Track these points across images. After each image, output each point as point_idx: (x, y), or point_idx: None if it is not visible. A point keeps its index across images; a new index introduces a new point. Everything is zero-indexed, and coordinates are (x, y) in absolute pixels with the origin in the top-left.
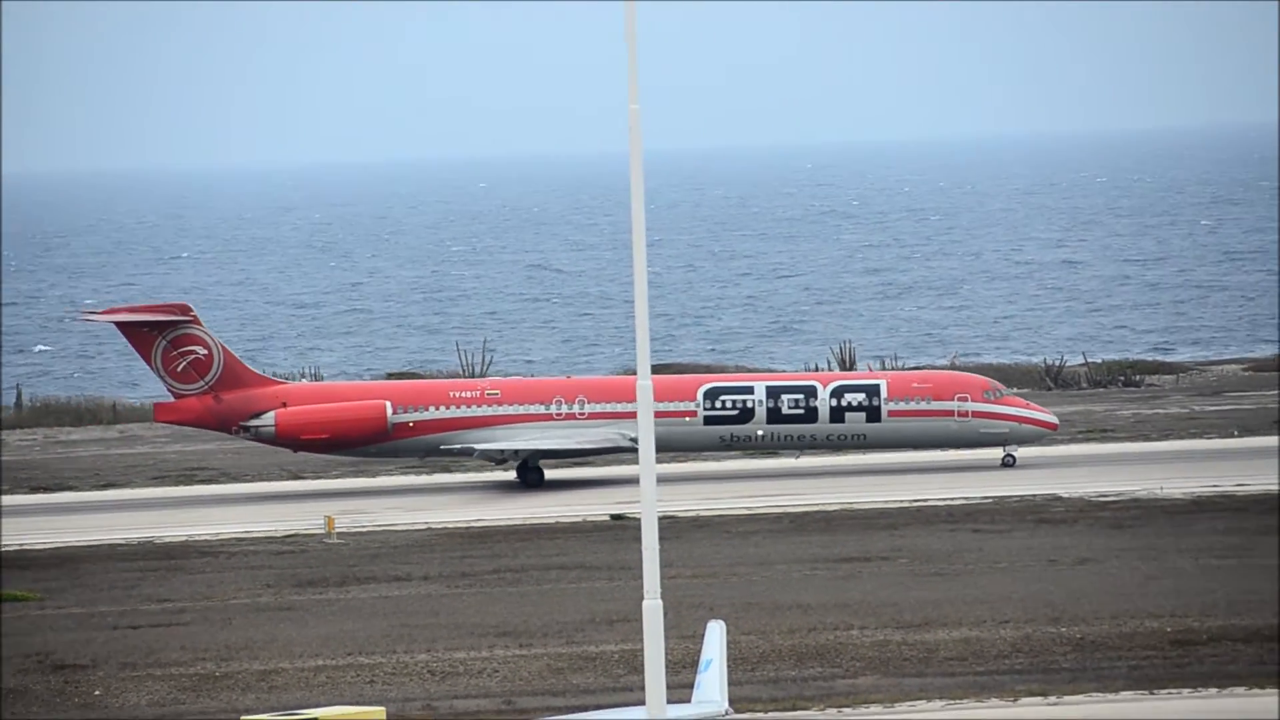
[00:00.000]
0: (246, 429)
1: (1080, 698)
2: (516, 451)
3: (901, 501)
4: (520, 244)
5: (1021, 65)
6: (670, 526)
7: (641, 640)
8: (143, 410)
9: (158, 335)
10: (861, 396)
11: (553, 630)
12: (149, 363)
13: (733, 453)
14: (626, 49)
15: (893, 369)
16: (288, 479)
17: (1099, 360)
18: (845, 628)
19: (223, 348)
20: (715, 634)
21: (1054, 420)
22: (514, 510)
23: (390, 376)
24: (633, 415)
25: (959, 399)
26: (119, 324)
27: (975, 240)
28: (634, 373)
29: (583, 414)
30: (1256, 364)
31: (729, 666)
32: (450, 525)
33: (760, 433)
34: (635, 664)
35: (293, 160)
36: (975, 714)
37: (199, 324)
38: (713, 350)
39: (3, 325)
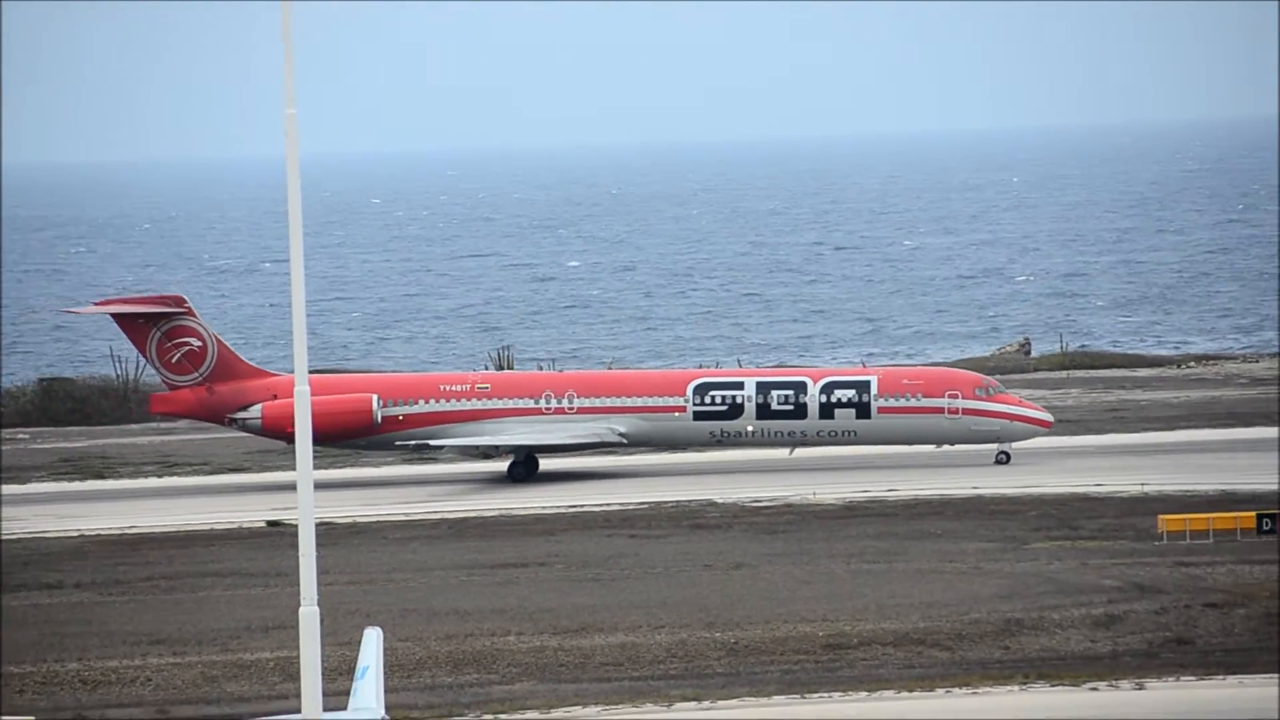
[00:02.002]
0: (234, 421)
1: (734, 702)
2: (496, 448)
3: (559, 507)
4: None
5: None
6: (327, 533)
7: (298, 647)
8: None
9: (152, 327)
10: (851, 393)
11: (207, 638)
12: (144, 354)
13: (723, 448)
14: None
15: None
16: None
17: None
18: (502, 634)
19: (217, 339)
20: (372, 641)
21: (1049, 418)
22: (169, 517)
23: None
24: (622, 410)
25: (949, 396)
26: (114, 315)
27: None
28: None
29: (571, 408)
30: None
31: (386, 673)
32: (104, 533)
33: (750, 428)
34: (291, 671)
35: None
36: (631, 719)
37: (193, 315)
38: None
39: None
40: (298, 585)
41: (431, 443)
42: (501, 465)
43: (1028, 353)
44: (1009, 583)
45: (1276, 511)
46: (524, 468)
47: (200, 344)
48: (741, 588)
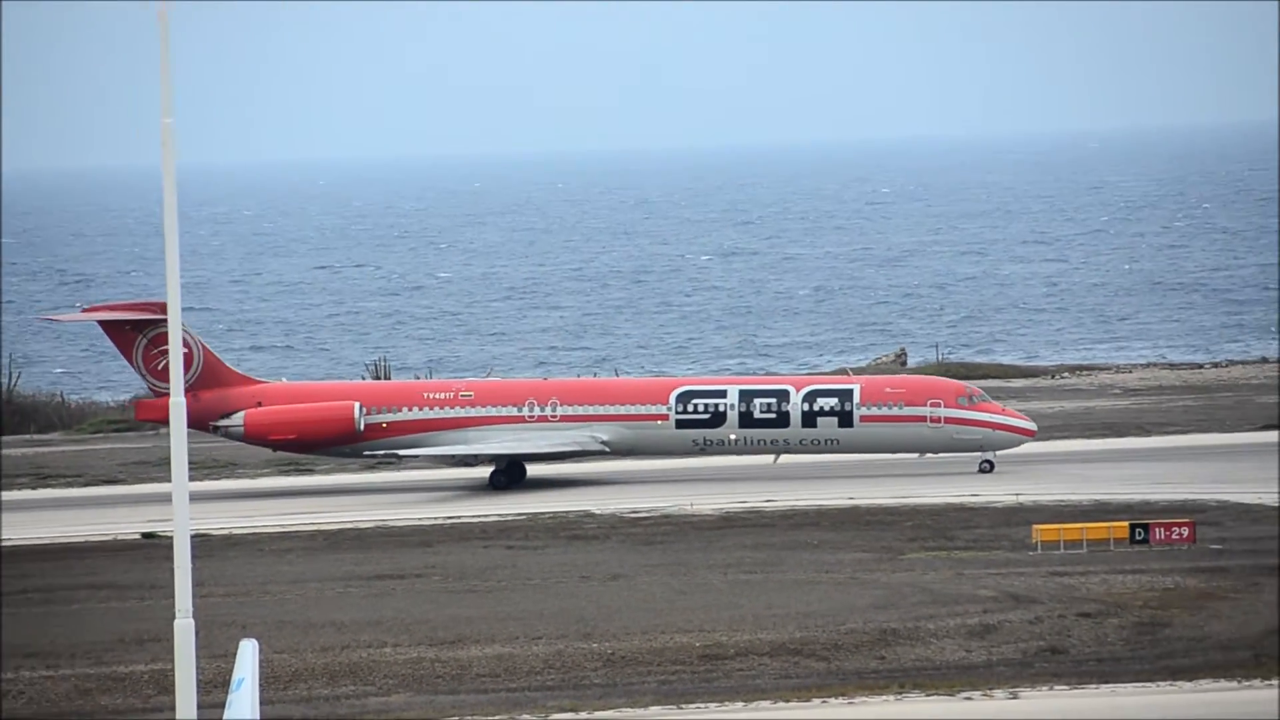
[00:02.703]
0: (218, 428)
1: (611, 713)
2: (475, 456)
3: (436, 518)
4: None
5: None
6: (203, 545)
7: (173, 660)
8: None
9: (138, 334)
10: (834, 401)
11: (80, 651)
12: (130, 361)
13: (706, 457)
14: (160, 57)
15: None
16: None
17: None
18: (378, 645)
19: (203, 346)
20: (247, 653)
21: (1032, 427)
22: (42, 529)
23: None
24: (605, 418)
25: (931, 404)
26: (101, 323)
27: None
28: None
29: (554, 416)
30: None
31: (262, 685)
32: None
33: (733, 437)
34: (166, 684)
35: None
36: None
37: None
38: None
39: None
40: (173, 597)
41: (400, 452)
42: (483, 473)
43: (904, 363)
44: (885, 593)
45: (1149, 521)
46: (505, 476)
47: (186, 351)
48: (619, 599)
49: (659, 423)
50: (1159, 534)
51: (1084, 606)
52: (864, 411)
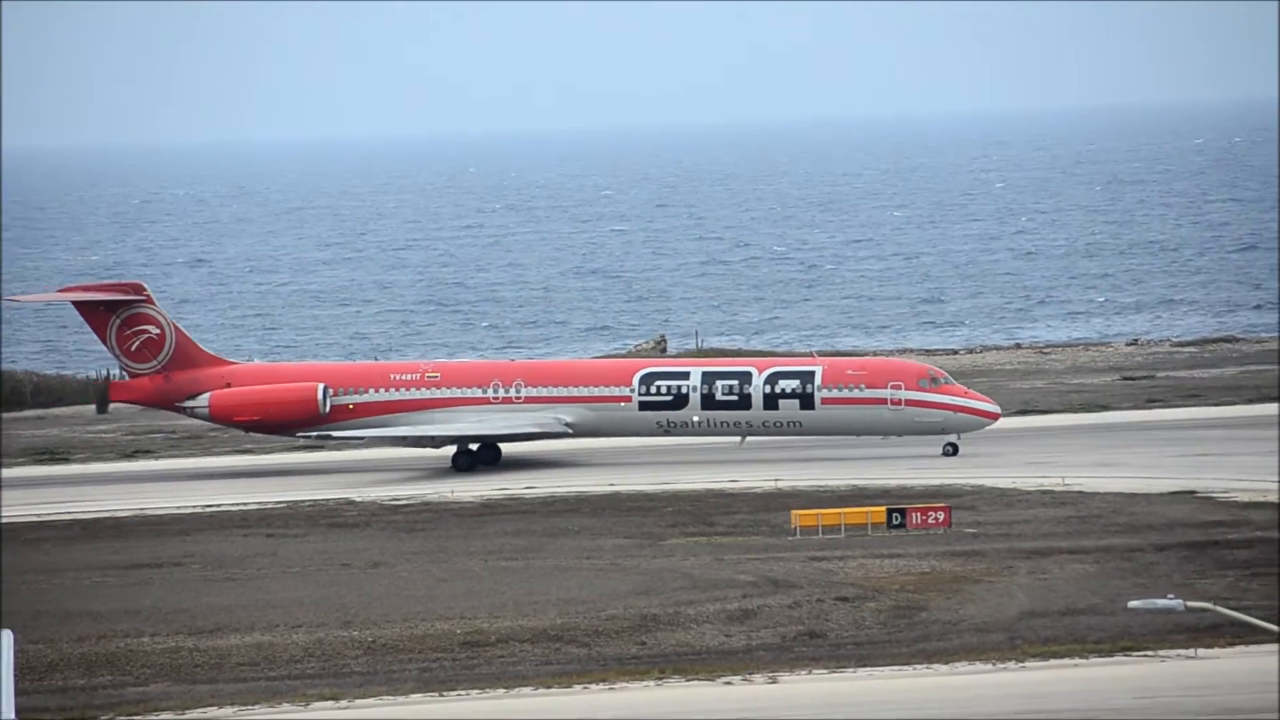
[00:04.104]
0: (184, 409)
1: (371, 700)
2: (434, 438)
3: (195, 507)
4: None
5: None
6: None
7: None
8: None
9: (111, 315)
10: (795, 383)
11: None
12: (104, 342)
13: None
14: None
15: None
16: None
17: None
18: (136, 635)
19: (175, 327)
20: (2, 644)
21: (996, 410)
22: None
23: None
24: (569, 400)
25: (892, 386)
26: (75, 304)
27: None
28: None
29: (519, 398)
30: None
31: (16, 676)
32: None
33: (696, 419)
34: None
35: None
36: (267, 719)
37: (152, 303)
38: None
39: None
40: None
41: (334, 434)
42: (445, 454)
43: (664, 350)
44: (645, 579)
45: (906, 506)
46: (468, 458)
47: (158, 331)
48: (379, 586)
49: (622, 404)
50: (915, 519)
51: (842, 591)
52: (825, 394)
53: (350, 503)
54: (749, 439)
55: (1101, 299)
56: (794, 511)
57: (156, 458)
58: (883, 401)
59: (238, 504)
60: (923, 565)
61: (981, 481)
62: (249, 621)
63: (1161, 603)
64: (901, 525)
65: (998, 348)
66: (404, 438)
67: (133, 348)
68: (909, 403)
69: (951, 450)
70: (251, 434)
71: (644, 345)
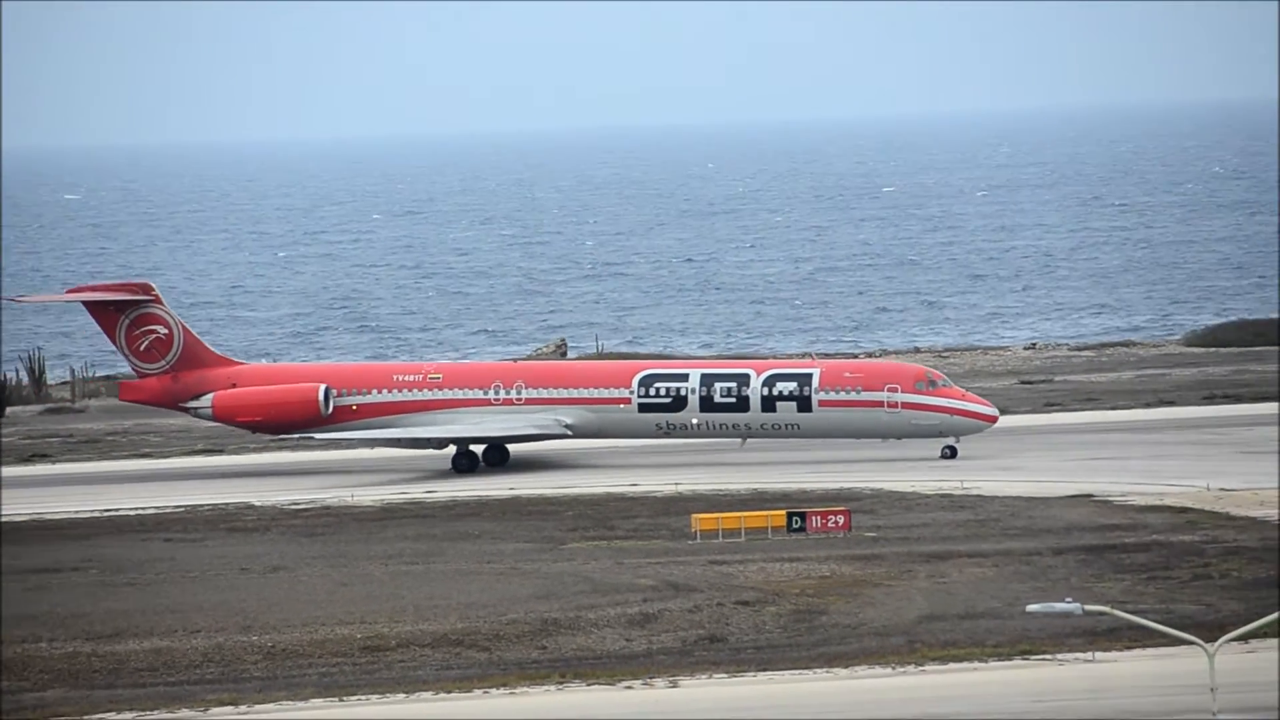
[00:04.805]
0: (188, 409)
1: (271, 705)
2: (432, 439)
3: (93, 511)
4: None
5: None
6: None
7: None
8: None
9: (120, 314)
10: (793, 386)
11: None
12: (114, 342)
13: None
14: None
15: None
16: None
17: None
18: (33, 640)
19: (183, 327)
20: None
21: (994, 413)
22: None
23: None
24: (570, 401)
25: (889, 389)
26: (85, 303)
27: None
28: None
29: (520, 399)
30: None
31: None
32: None
33: (695, 421)
34: None
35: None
36: None
37: (160, 303)
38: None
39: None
40: None
41: (316, 436)
42: (446, 455)
43: (564, 354)
44: (546, 583)
45: (806, 510)
46: (468, 459)
47: (166, 331)
48: (279, 591)
49: (622, 406)
50: (815, 522)
51: (742, 595)
52: (823, 396)
53: (250, 507)
54: (748, 439)
55: (996, 303)
56: (694, 515)
57: (54, 462)
58: (880, 404)
59: (135, 509)
60: (823, 569)
61: (881, 485)
62: (147, 626)
63: (1060, 606)
64: (802, 529)
65: (897, 352)
66: (399, 440)
67: (141, 347)
68: (905, 405)
69: (950, 453)
70: (149, 438)
71: (544, 348)
